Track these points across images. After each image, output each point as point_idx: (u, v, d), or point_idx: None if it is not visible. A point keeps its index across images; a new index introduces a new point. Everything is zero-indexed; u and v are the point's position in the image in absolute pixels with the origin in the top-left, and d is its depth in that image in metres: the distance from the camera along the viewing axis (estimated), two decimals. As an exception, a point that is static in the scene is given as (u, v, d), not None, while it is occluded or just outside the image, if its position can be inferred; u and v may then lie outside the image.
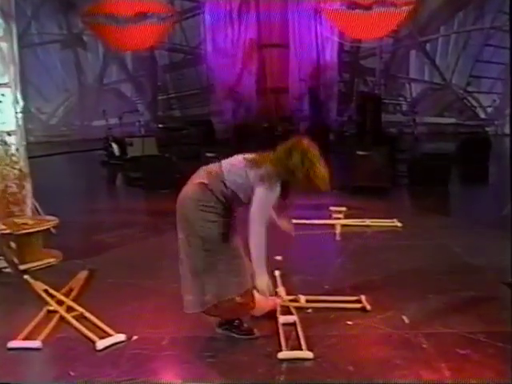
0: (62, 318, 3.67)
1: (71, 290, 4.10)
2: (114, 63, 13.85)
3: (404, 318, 3.67)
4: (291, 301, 3.87)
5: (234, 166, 3.19)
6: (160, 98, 13.91)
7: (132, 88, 13.98)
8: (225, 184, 3.15)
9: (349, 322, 3.62)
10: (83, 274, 4.41)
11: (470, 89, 13.52)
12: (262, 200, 3.06)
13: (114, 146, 10.34)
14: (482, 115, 13.55)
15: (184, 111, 13.79)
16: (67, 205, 7.02)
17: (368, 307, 3.79)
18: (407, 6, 11.75)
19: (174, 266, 4.55)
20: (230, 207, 3.21)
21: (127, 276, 4.50)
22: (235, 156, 3.28)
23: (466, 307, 3.83)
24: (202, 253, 3.16)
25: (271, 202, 3.10)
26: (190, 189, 3.20)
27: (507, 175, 5.59)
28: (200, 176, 3.21)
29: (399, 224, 5.89)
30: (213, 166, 3.24)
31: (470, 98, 13.57)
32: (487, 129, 12.64)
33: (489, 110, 13.45)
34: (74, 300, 3.92)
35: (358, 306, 3.84)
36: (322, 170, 3.12)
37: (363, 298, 3.91)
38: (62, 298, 3.90)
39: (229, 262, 3.20)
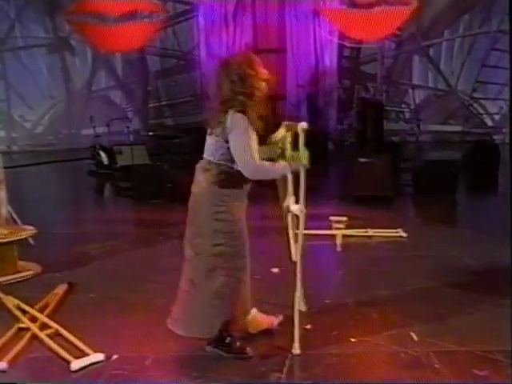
0: (34, 336, 3.47)
1: (47, 305, 3.91)
2: (103, 69, 13.70)
3: (412, 334, 3.50)
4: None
5: (211, 144, 3.06)
6: (151, 105, 13.79)
7: (122, 95, 13.84)
8: (219, 166, 3.00)
9: (352, 339, 3.46)
10: (62, 288, 4.23)
11: (475, 95, 13.40)
12: (238, 144, 2.91)
13: (103, 154, 10.21)
14: (490, 123, 13.43)
15: (176, 119, 13.65)
16: (50, 215, 6.92)
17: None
18: (410, 4, 11.69)
19: (162, 279, 4.50)
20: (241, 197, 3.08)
21: (110, 290, 4.34)
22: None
23: (481, 323, 3.65)
24: (222, 271, 3.03)
25: (248, 140, 2.91)
26: (199, 195, 3.07)
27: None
28: (200, 178, 3.08)
29: (404, 234, 5.76)
30: (201, 163, 3.10)
31: (476, 105, 13.45)
32: (495, 137, 12.51)
33: (496, 117, 13.32)
34: (49, 316, 3.73)
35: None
36: (261, 72, 3.03)
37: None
38: (36, 314, 3.70)
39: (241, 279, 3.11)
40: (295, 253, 3.42)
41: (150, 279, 4.55)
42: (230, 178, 2.99)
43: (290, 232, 3.57)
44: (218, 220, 2.98)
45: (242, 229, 3.07)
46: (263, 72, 3.01)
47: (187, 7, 13.48)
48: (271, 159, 3.15)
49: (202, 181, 3.04)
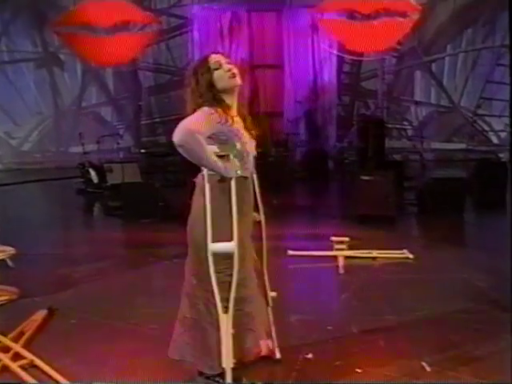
0: (5, 368, 3.24)
1: (23, 333, 3.69)
2: (94, 84, 13.74)
3: (424, 365, 3.28)
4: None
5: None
6: (144, 122, 13.77)
7: (113, 111, 13.87)
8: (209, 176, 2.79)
9: (358, 370, 3.25)
10: (41, 314, 4.02)
11: (480, 112, 13.40)
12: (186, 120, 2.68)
13: (92, 172, 10.18)
14: (495, 140, 13.36)
15: (170, 136, 13.50)
16: (34, 235, 6.78)
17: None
18: (411, 14, 11.74)
19: (151, 304, 4.33)
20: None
21: (94, 316, 4.13)
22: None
23: (500, 353, 3.43)
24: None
25: (198, 116, 2.69)
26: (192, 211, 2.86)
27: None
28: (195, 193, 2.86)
29: (410, 255, 5.60)
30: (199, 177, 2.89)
31: (480, 122, 13.43)
32: (501, 155, 12.41)
33: (502, 134, 13.24)
34: (24, 345, 3.50)
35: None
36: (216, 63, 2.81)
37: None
38: (9, 343, 3.47)
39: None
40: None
41: (138, 304, 4.38)
42: (219, 188, 2.78)
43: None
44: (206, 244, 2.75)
45: (244, 254, 2.81)
46: (218, 62, 2.79)
47: (181, 21, 13.57)
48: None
49: (194, 196, 2.86)
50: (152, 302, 4.36)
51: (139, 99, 13.56)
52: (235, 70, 2.78)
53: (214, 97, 2.75)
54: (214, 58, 2.80)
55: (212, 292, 2.77)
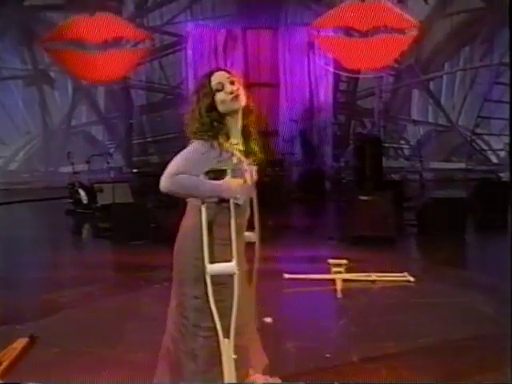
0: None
1: (0, 362, 3.54)
2: (85, 103, 13.67)
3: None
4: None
5: None
6: (136, 141, 13.70)
7: (104, 130, 13.77)
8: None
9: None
10: (21, 343, 3.88)
11: (478, 131, 13.39)
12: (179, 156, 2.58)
13: (82, 193, 10.07)
14: (494, 159, 13.36)
15: (162, 156, 13.46)
16: (18, 258, 6.71)
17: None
18: (409, 31, 11.78)
19: (140, 330, 4.20)
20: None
21: (79, 344, 3.98)
22: None
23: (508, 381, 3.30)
24: (201, 331, 2.67)
25: (184, 155, 2.58)
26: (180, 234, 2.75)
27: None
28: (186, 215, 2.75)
29: (411, 278, 5.52)
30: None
31: (479, 141, 13.43)
32: (501, 174, 12.37)
33: (501, 153, 13.23)
34: (1, 376, 3.39)
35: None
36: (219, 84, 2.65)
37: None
38: (-15, 373, 3.33)
39: None
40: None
41: (126, 330, 4.27)
42: (213, 208, 2.65)
43: None
44: (199, 266, 2.61)
45: (231, 280, 2.65)
46: (221, 83, 2.63)
47: (175, 39, 13.52)
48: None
49: (185, 218, 2.75)
50: (142, 328, 4.25)
51: (131, 118, 13.51)
52: (239, 91, 2.62)
53: (211, 123, 2.61)
54: (217, 78, 2.64)
55: (188, 318, 2.63)
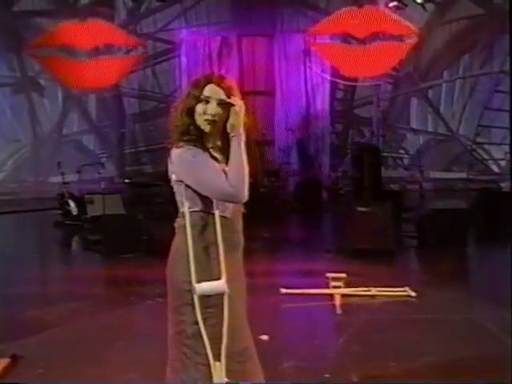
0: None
1: (-20, 385, 3.43)
2: (76, 111, 13.56)
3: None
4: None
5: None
6: (128, 150, 13.58)
7: (95, 139, 13.68)
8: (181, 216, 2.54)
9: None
10: (2, 363, 3.78)
11: (479, 140, 13.35)
12: (198, 179, 2.41)
13: (72, 204, 9.96)
14: (495, 169, 13.32)
15: (156, 166, 13.37)
16: (1, 273, 6.57)
17: None
18: (409, 38, 11.74)
19: (130, 349, 4.10)
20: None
21: (65, 364, 3.89)
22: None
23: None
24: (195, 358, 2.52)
25: (205, 167, 2.40)
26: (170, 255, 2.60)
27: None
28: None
29: (413, 293, 5.44)
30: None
31: (480, 150, 13.38)
32: (502, 184, 12.33)
33: (502, 163, 13.20)
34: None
35: None
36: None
37: None
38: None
39: None
40: None
41: (116, 349, 4.19)
42: (200, 226, 2.50)
43: None
44: (187, 291, 2.46)
45: (220, 303, 2.48)
46: (209, 97, 2.44)
47: (168, 46, 13.46)
48: None
49: (173, 241, 2.61)
50: (132, 347, 4.17)
51: (123, 127, 13.44)
52: (216, 117, 2.42)
53: (188, 126, 2.45)
54: (209, 90, 2.45)
55: (188, 346, 2.50)
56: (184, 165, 2.43)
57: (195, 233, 2.47)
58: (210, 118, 2.42)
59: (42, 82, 13.19)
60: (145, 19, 13.46)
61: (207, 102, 2.44)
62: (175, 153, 2.44)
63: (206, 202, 2.46)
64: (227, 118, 2.42)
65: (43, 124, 13.36)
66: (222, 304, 2.46)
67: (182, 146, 2.43)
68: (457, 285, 5.89)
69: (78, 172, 10.33)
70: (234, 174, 2.35)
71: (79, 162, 11.22)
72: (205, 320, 2.44)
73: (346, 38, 12.25)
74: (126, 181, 11.52)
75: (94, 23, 11.95)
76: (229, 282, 2.47)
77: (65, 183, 10.26)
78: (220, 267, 2.46)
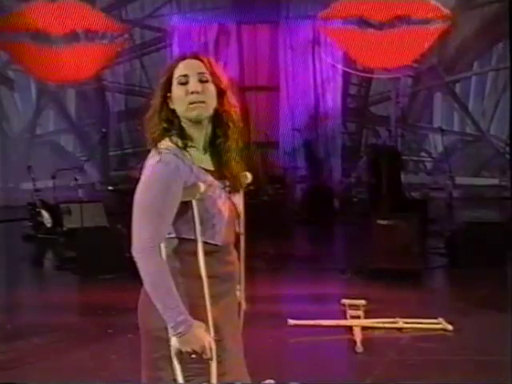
0: None
1: None
2: (52, 107, 13.50)
3: None
4: None
5: None
6: (112, 153, 13.51)
7: (75, 141, 13.61)
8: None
9: None
10: None
11: (513, 141, 13.33)
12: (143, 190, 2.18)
13: (45, 214, 9.85)
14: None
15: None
16: None
17: None
18: (437, 22, 11.68)
19: None
20: None
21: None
22: None
23: None
24: None
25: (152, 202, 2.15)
26: None
27: None
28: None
29: (449, 326, 5.16)
30: None
31: (514, 153, 13.33)
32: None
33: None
34: None
35: None
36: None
37: None
38: None
39: None
40: None
41: None
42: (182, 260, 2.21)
43: None
44: (164, 340, 2.17)
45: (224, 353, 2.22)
46: (186, 76, 2.17)
47: (158, 34, 13.39)
48: None
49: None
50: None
51: (107, 126, 13.34)
52: (205, 97, 2.14)
53: (169, 126, 2.19)
54: (185, 68, 2.17)
55: None
56: (145, 182, 2.16)
57: (174, 265, 2.18)
58: (194, 98, 2.13)
59: (11, 74, 13.13)
60: (131, 3, 13.33)
61: (185, 82, 2.15)
62: (148, 164, 2.16)
63: (189, 225, 2.17)
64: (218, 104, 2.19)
65: (13, 122, 13.33)
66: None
67: (159, 160, 2.12)
68: (500, 315, 5.60)
69: (53, 177, 10.14)
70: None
71: (56, 165, 11.13)
72: (187, 378, 2.14)
73: (362, 22, 12.17)
74: (110, 188, 11.40)
75: (69, 3, 11.83)
76: (221, 326, 2.20)
77: (36, 190, 10.16)
78: (206, 310, 2.16)
